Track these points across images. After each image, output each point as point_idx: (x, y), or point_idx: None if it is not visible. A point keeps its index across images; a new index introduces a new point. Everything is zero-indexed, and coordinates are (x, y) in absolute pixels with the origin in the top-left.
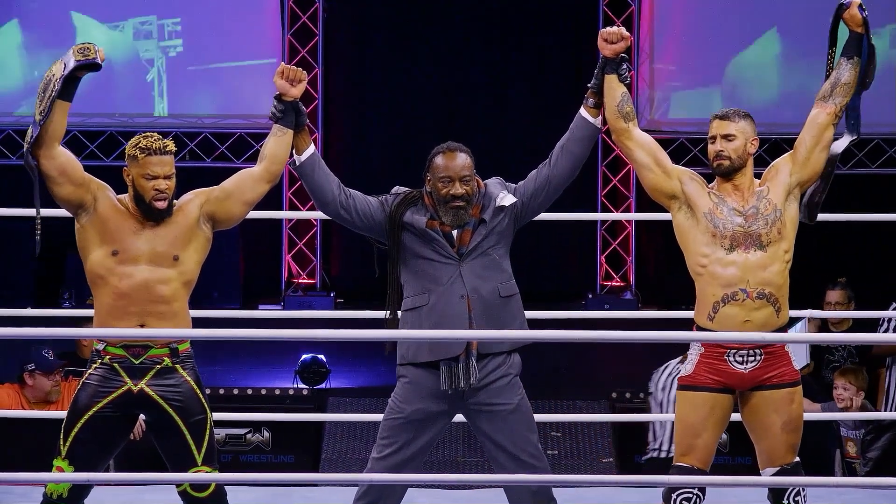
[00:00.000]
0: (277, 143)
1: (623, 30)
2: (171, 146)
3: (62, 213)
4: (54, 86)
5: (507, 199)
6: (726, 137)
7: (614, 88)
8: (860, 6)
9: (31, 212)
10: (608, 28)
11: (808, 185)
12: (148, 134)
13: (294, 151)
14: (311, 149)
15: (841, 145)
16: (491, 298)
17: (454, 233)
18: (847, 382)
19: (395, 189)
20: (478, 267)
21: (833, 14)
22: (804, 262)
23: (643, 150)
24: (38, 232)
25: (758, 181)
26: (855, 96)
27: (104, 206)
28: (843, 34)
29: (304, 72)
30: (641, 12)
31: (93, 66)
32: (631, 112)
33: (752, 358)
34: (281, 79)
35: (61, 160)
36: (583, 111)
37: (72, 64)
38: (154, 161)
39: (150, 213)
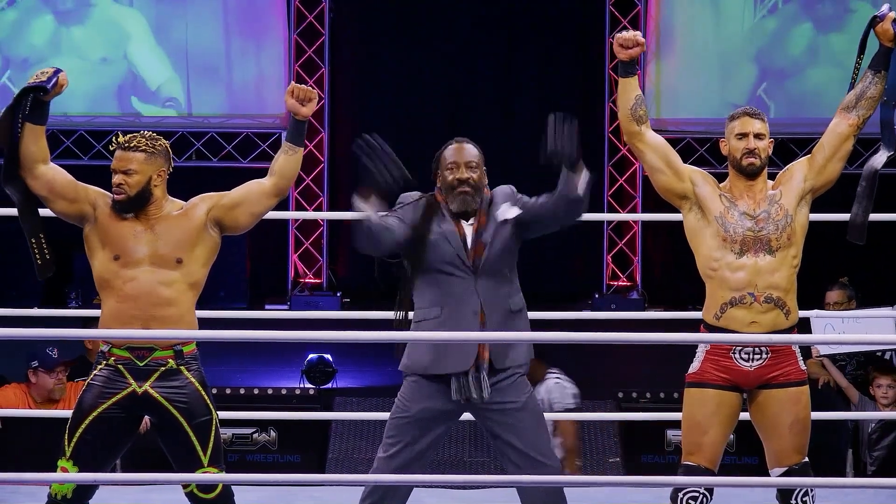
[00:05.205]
0: (287, 160)
1: (639, 35)
2: (142, 143)
3: None
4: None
5: (508, 212)
6: (758, 136)
7: (629, 91)
8: (894, 21)
9: (42, 211)
10: (624, 33)
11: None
12: (134, 132)
13: (365, 204)
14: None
15: (879, 161)
16: (502, 313)
17: (468, 240)
18: (892, 381)
19: (402, 199)
20: (491, 282)
21: (866, 25)
22: (807, 263)
23: (655, 152)
24: (37, 256)
25: (770, 182)
26: (888, 111)
27: (104, 213)
28: (872, 44)
29: (315, 91)
30: (648, 12)
31: (38, 89)
32: (644, 115)
33: (759, 356)
34: (291, 98)
35: (46, 179)
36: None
37: (23, 87)
38: (118, 155)
39: (115, 207)
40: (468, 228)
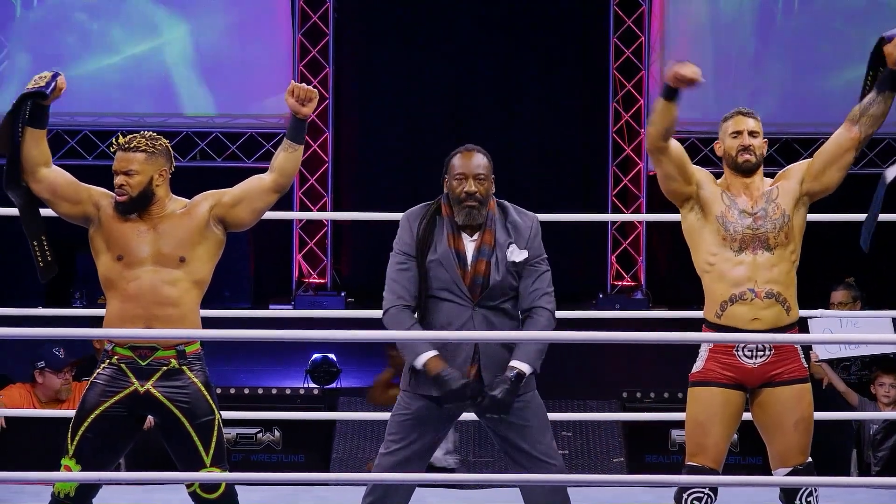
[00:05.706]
0: (287, 158)
1: (699, 73)
2: (142, 144)
3: None
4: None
5: (516, 255)
6: (752, 134)
7: (669, 114)
8: None
9: (44, 211)
10: (688, 69)
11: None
12: (134, 132)
13: (413, 360)
14: (428, 354)
15: (891, 173)
16: (499, 347)
17: (468, 258)
18: (894, 380)
19: (405, 220)
20: (490, 314)
21: (875, 45)
22: (812, 263)
23: (674, 164)
24: (39, 260)
25: (768, 180)
26: None
27: (107, 214)
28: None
29: (315, 91)
30: (652, 12)
31: (37, 94)
32: (673, 133)
33: (762, 353)
34: (291, 97)
35: (48, 182)
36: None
37: (23, 91)
38: (118, 157)
39: (117, 208)
40: (470, 245)
